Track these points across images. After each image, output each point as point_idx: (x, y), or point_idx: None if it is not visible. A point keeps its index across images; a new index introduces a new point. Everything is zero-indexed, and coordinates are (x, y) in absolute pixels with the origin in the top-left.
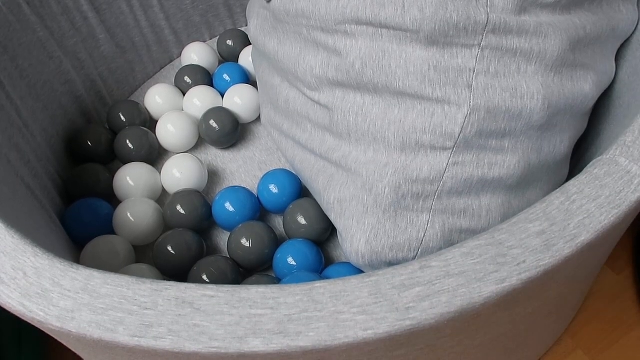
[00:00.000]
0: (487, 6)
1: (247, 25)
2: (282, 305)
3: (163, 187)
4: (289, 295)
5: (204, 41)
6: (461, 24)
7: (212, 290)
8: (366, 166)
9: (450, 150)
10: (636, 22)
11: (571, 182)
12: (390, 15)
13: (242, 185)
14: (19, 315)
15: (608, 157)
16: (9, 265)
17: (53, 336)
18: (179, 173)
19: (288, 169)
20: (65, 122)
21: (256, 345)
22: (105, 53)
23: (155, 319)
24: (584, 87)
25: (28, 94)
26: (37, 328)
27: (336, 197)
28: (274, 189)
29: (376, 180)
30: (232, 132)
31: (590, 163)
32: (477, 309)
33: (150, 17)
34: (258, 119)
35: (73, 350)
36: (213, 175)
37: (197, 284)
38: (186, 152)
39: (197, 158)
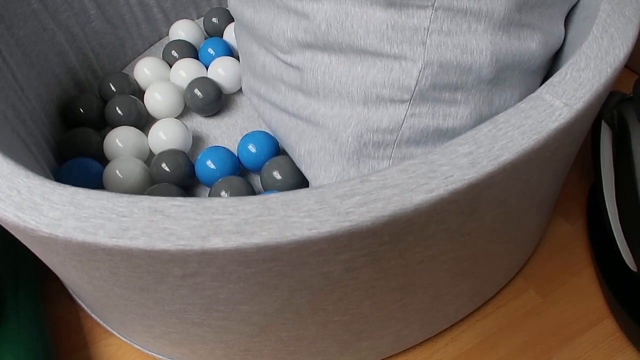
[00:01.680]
0: None
1: None
2: (240, 211)
3: (150, 150)
4: (246, 203)
5: (192, 20)
6: None
7: (180, 201)
8: (332, 119)
9: (408, 103)
10: None
11: (500, 114)
12: None
13: None
14: (13, 227)
15: (535, 94)
16: (5, 186)
17: (40, 256)
18: (165, 135)
19: (266, 131)
20: (58, 90)
21: (217, 242)
22: (97, 28)
23: (131, 224)
24: (531, 45)
25: (23, 62)
26: (34, 276)
27: (306, 149)
28: (252, 148)
29: (340, 131)
30: (215, 100)
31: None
32: (409, 215)
33: None
34: (240, 90)
35: (59, 272)
36: (197, 140)
37: (168, 197)
38: None
39: (182, 122)
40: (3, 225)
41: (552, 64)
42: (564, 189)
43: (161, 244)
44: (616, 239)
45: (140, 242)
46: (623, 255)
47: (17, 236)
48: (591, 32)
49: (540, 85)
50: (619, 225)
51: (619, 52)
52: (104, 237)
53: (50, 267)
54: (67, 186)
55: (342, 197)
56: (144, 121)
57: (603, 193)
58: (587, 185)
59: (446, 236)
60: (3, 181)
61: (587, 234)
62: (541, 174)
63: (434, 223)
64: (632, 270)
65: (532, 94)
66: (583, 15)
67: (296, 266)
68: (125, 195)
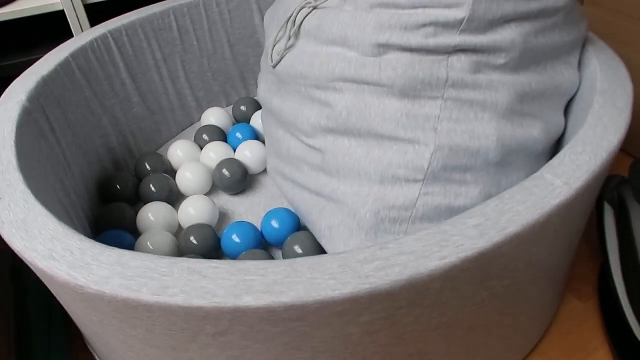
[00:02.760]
0: (447, 67)
1: (257, 94)
2: (270, 273)
3: (179, 224)
4: (275, 266)
5: (221, 107)
6: (426, 80)
7: (216, 262)
8: (351, 197)
9: (421, 182)
10: (577, 83)
11: (506, 191)
12: (370, 73)
13: None
14: (64, 284)
15: (537, 174)
16: (59, 247)
17: (79, 319)
18: (194, 210)
19: (288, 208)
20: (99, 167)
21: (248, 300)
22: (137, 114)
23: (171, 282)
24: (533, 132)
25: (72, 142)
26: (63, 335)
27: (327, 224)
28: (275, 223)
29: (359, 208)
30: (241, 179)
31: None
32: (424, 280)
33: (177, 86)
34: (264, 170)
35: (92, 334)
36: (223, 216)
37: (205, 259)
38: None
39: (210, 198)
40: (54, 283)
41: (554, 149)
42: (575, 268)
43: (198, 301)
44: (626, 315)
45: (178, 299)
46: (634, 331)
47: (62, 296)
48: (586, 121)
49: None
50: (628, 301)
51: (613, 139)
52: (146, 294)
53: (84, 330)
54: (114, 248)
55: (362, 261)
56: (174, 197)
57: (611, 271)
58: (597, 265)
59: (459, 303)
60: (58, 243)
61: (599, 312)
62: (547, 248)
63: (447, 289)
64: None
65: (534, 174)
66: (580, 106)
67: (319, 327)
68: (167, 257)
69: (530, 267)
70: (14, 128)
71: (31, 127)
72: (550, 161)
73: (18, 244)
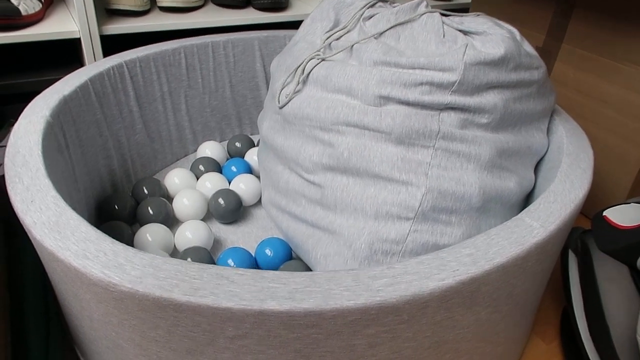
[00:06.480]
0: (438, 121)
1: (251, 133)
2: (291, 282)
3: (175, 246)
4: (296, 276)
5: (216, 141)
6: (421, 131)
7: (242, 270)
8: (348, 229)
9: (412, 220)
10: (546, 145)
11: (492, 229)
12: (371, 121)
13: None
14: (97, 282)
15: (518, 217)
16: (93, 248)
17: (95, 320)
18: (191, 234)
19: (281, 238)
20: (99, 187)
21: (272, 305)
22: (139, 140)
23: (201, 285)
24: (509, 184)
25: (81, 160)
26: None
27: (322, 253)
28: (269, 252)
29: (355, 239)
30: (235, 209)
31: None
32: (425, 297)
33: (177, 118)
34: (257, 203)
35: (103, 337)
36: (216, 243)
37: (233, 267)
38: None
39: (206, 224)
40: (87, 281)
41: (524, 204)
42: (539, 312)
43: (226, 302)
44: (588, 354)
45: (208, 300)
46: None
47: (84, 296)
48: (557, 177)
49: None
50: (591, 341)
51: (578, 193)
52: (177, 294)
53: (84, 336)
54: (146, 253)
55: (373, 277)
56: (170, 221)
57: (574, 313)
58: (560, 309)
59: (450, 325)
60: (92, 245)
61: (562, 353)
62: (524, 283)
63: (442, 309)
64: None
65: (515, 217)
66: (549, 166)
67: (330, 335)
68: (197, 263)
69: (510, 298)
70: (40, 139)
71: (52, 141)
72: (528, 207)
73: (51, 244)
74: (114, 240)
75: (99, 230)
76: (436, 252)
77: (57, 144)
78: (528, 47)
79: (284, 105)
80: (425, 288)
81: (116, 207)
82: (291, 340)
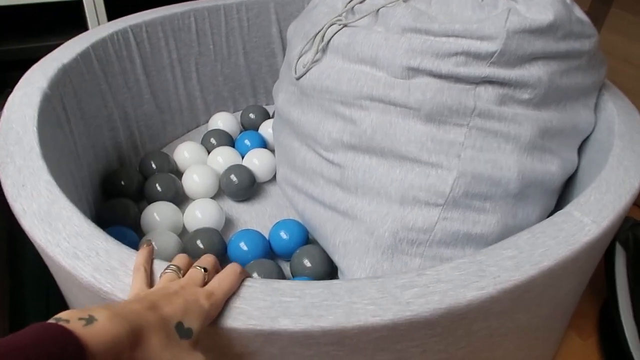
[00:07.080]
0: (474, 96)
1: (266, 103)
2: (307, 295)
3: (184, 225)
4: (312, 288)
5: (229, 112)
6: (454, 107)
7: (250, 281)
8: (370, 214)
9: (441, 207)
10: (593, 124)
11: (536, 225)
12: (398, 95)
13: None
14: (87, 286)
15: (565, 210)
16: (85, 246)
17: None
18: (201, 214)
19: (297, 220)
20: (104, 162)
21: (286, 324)
22: (146, 111)
23: None
24: (551, 168)
25: (84, 132)
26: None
27: (341, 240)
28: (284, 235)
29: (378, 226)
30: (249, 187)
31: (551, 216)
32: (462, 309)
33: (188, 88)
34: (272, 179)
35: None
36: (228, 223)
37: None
38: None
39: (217, 203)
40: (78, 284)
41: (563, 189)
42: (577, 304)
43: (231, 322)
44: (633, 354)
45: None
46: None
47: (79, 292)
48: (608, 163)
49: (555, 205)
50: (637, 340)
51: (634, 182)
52: None
53: None
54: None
55: (401, 287)
56: (179, 199)
57: (618, 310)
58: (598, 303)
59: (487, 334)
60: (84, 241)
61: (600, 350)
62: (570, 283)
63: (480, 320)
64: None
65: (562, 210)
66: (596, 148)
67: (352, 352)
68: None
69: (553, 302)
70: (36, 114)
71: (50, 114)
72: (577, 199)
73: (41, 238)
74: (108, 237)
75: (92, 224)
76: (473, 255)
77: (56, 117)
78: (579, 13)
79: (302, 76)
80: (462, 299)
81: (122, 182)
82: (306, 358)
